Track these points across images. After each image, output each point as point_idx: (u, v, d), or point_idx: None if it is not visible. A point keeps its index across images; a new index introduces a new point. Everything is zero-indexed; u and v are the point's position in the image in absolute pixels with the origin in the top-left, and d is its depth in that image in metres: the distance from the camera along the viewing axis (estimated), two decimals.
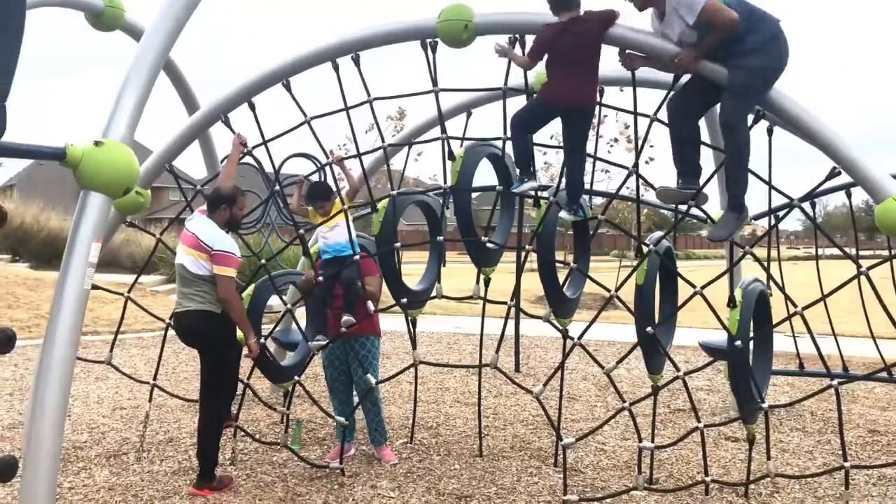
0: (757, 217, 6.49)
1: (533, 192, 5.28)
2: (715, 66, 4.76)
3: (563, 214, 5.35)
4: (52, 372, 3.88)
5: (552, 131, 5.34)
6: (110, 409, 7.47)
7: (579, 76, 4.90)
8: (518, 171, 5.23)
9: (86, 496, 5.09)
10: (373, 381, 5.58)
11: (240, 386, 5.67)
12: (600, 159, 5.93)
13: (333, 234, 5.62)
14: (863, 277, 4.80)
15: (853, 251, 5.64)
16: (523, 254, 5.68)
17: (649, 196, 10.71)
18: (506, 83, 5.24)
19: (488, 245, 5.57)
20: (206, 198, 5.44)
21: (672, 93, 5.12)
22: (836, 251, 5.36)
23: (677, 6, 4.65)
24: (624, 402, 5.20)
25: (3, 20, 2.44)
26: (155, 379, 6.17)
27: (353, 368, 5.78)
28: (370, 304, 5.50)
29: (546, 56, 4.94)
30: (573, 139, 5.13)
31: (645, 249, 5.26)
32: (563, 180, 5.25)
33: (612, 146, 23.37)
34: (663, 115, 5.10)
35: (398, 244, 5.48)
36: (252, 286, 5.93)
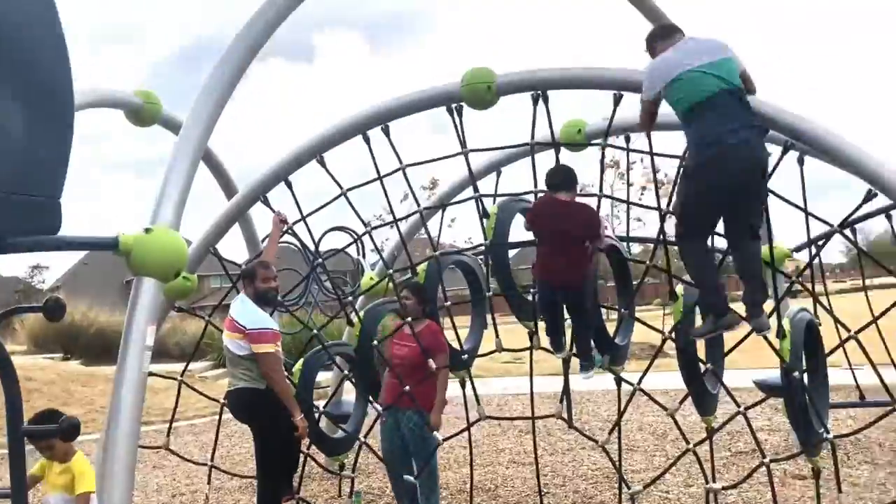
0: (798, 249, 6.41)
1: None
2: None
3: (580, 374, 5.40)
4: (118, 460, 3.85)
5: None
6: (169, 495, 7.51)
7: (562, 257, 4.88)
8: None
9: None
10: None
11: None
12: (635, 203, 5.97)
13: None
14: None
15: None
16: None
17: None
18: (532, 137, 5.34)
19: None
20: None
21: None
22: (884, 280, 5.26)
23: None
24: (688, 443, 5.11)
25: (53, 111, 2.50)
26: (212, 461, 6.21)
27: (407, 440, 5.35)
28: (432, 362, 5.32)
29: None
30: (571, 310, 5.11)
31: (680, 289, 5.22)
32: None
33: (642, 195, 23.45)
34: None
35: (448, 303, 5.52)
36: (301, 360, 6.00)
